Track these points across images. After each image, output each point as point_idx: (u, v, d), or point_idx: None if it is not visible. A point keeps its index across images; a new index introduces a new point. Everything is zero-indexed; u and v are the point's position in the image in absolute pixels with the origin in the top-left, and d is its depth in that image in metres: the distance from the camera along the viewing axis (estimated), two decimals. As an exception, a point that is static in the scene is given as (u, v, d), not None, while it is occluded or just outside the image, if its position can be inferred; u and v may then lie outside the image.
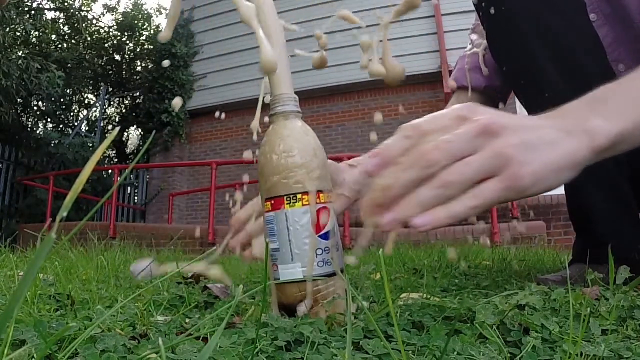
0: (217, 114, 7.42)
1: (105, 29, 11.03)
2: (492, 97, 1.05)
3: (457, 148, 0.42)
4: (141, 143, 10.04)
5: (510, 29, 0.83)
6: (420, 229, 0.42)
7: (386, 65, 0.59)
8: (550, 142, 0.44)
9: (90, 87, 10.41)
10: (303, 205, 0.57)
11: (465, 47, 1.10)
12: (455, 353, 0.42)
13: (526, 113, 0.88)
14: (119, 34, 10.76)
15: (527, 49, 0.81)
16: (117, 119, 10.63)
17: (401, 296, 0.65)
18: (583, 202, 0.84)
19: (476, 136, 0.42)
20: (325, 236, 0.58)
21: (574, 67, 0.79)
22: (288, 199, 0.57)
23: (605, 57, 0.80)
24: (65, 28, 10.00)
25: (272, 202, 0.58)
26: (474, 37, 1.06)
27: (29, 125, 8.29)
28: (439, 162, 0.42)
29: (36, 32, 8.49)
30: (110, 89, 10.49)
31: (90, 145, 8.40)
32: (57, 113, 8.89)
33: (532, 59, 0.81)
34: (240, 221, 0.72)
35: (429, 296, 0.66)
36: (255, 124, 0.64)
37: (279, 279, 0.58)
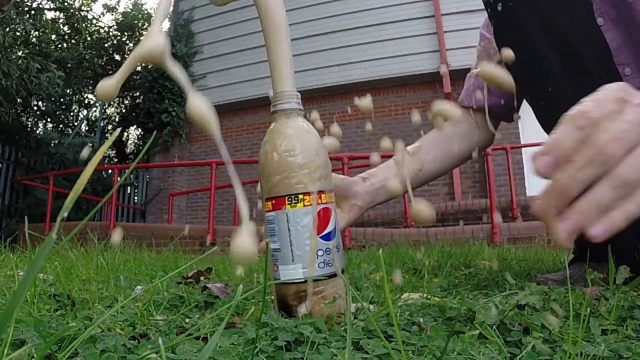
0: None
1: (105, 29, 11.03)
2: (497, 115, 1.06)
3: (632, 139, 0.39)
4: (141, 143, 10.04)
5: (515, 26, 0.84)
6: (598, 238, 0.39)
7: (413, 208, 0.59)
8: None
9: (90, 87, 10.39)
10: (305, 205, 0.57)
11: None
12: (455, 353, 0.42)
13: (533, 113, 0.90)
14: (119, 34, 10.76)
15: (532, 46, 0.82)
16: (117, 119, 10.63)
17: (401, 297, 0.65)
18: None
19: None
20: (327, 237, 0.57)
21: (578, 65, 0.80)
22: (289, 199, 0.57)
23: (609, 55, 0.81)
24: (65, 28, 10.00)
25: (273, 202, 0.58)
26: (479, 48, 1.08)
27: (29, 125, 8.28)
28: (616, 156, 0.39)
29: (36, 32, 8.48)
30: (110, 89, 10.45)
31: (91, 145, 8.39)
32: (57, 113, 8.89)
33: (537, 56, 0.82)
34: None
35: (429, 296, 0.66)
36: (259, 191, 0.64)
37: (279, 279, 0.57)
